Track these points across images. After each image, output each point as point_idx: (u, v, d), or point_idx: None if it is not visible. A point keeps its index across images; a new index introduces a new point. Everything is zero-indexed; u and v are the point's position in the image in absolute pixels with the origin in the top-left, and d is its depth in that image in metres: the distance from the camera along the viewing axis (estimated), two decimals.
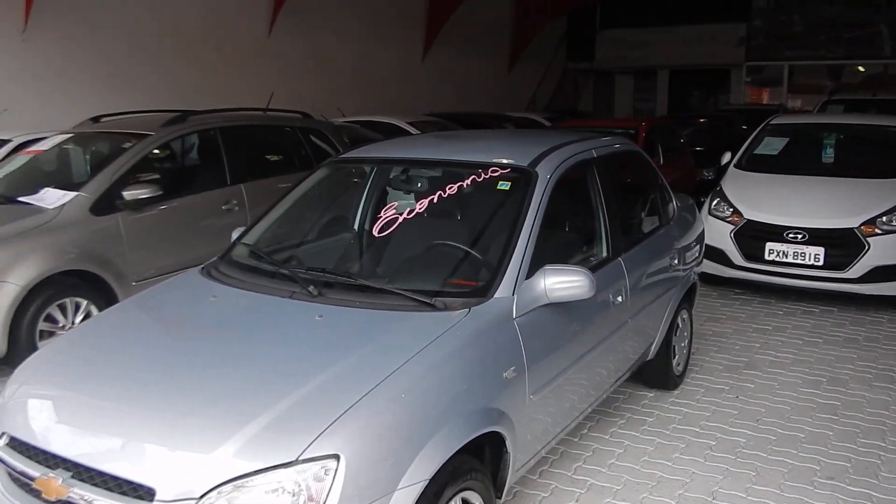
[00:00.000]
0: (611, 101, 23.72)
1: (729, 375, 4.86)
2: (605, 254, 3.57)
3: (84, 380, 2.44)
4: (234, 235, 3.55)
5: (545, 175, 3.23)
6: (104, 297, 4.90)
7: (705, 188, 8.52)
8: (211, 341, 2.63)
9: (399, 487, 2.13)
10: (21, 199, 5.05)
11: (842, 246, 6.08)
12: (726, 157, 7.76)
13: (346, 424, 2.09)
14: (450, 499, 2.34)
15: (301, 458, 2.01)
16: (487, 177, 3.25)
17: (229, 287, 2.99)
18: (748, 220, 6.49)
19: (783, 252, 6.29)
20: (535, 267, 2.90)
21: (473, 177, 3.26)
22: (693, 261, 4.73)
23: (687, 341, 4.76)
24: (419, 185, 3.41)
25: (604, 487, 3.45)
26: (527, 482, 3.46)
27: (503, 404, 2.61)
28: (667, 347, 4.37)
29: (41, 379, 2.51)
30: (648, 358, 4.25)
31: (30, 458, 2.24)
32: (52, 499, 2.11)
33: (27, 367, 2.63)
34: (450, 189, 3.21)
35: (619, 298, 3.54)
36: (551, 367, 2.93)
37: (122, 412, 2.23)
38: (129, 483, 2.03)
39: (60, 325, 4.74)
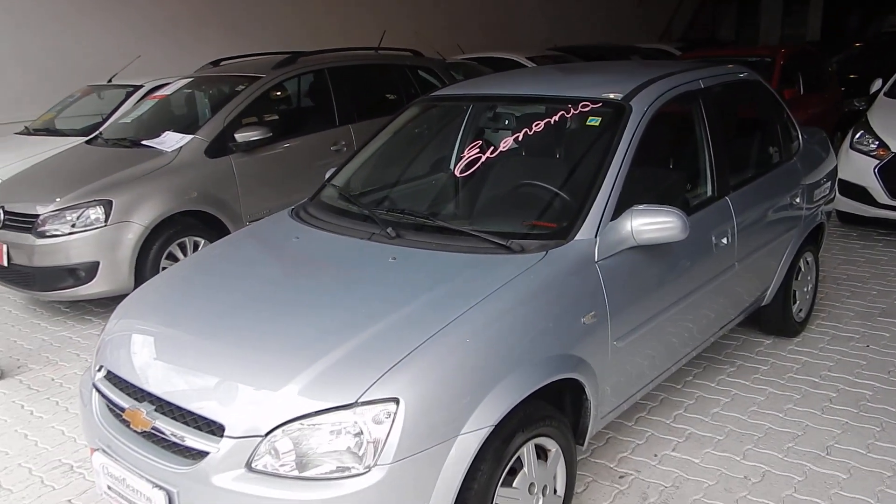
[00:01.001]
0: (755, 30, 21.98)
1: (861, 323, 4.47)
2: (709, 193, 3.32)
3: (169, 319, 2.55)
4: (327, 176, 3.58)
5: (640, 109, 3.01)
6: (220, 236, 5.13)
7: (856, 120, 7.78)
8: (287, 284, 2.67)
9: (462, 432, 2.09)
10: (144, 142, 5.33)
11: None
12: (876, 84, 7.01)
13: (407, 368, 2.07)
14: (521, 445, 2.29)
15: (360, 400, 2.01)
16: (577, 112, 3.06)
17: (313, 228, 3.02)
18: None
19: None
20: (623, 207, 2.72)
21: (562, 112, 3.09)
22: (821, 199, 4.32)
23: (811, 286, 4.40)
24: (506, 122, 3.28)
25: (704, 437, 3.28)
26: (621, 428, 3.35)
27: (582, 350, 2.50)
28: (786, 292, 4.05)
29: (134, 316, 2.65)
30: (763, 303, 3.96)
31: (122, 390, 2.38)
32: (139, 429, 2.23)
33: (125, 305, 2.79)
34: (536, 126, 3.06)
35: (725, 240, 3.29)
36: (639, 312, 2.77)
37: (201, 350, 2.32)
38: (203, 419, 2.12)
39: None
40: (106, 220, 4.71)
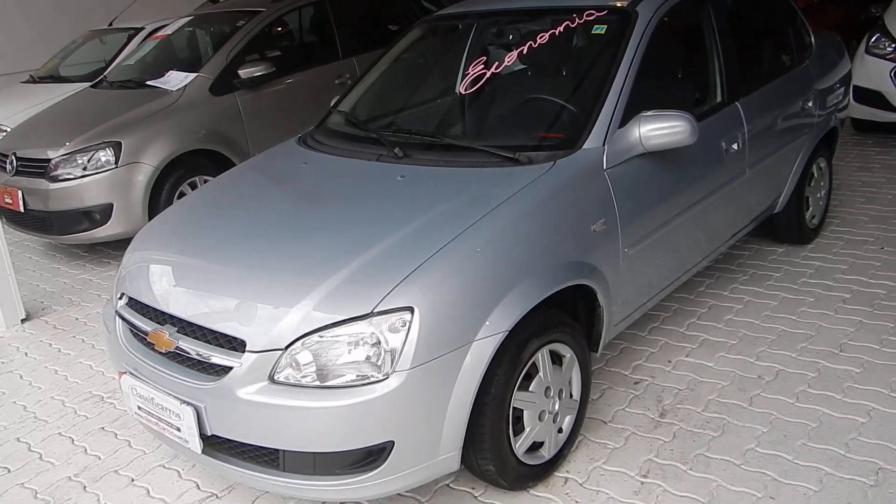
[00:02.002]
0: None
1: (875, 226, 4.46)
2: (718, 98, 3.28)
3: (185, 246, 2.59)
4: (332, 103, 3.57)
5: (647, 14, 2.96)
6: None
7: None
8: (298, 206, 2.70)
9: (478, 338, 2.14)
10: (149, 82, 5.31)
11: None
12: None
13: (420, 278, 2.11)
14: (535, 351, 2.34)
15: (376, 310, 2.06)
16: (582, 21, 3.02)
17: (320, 154, 3.03)
18: None
19: None
20: (631, 115, 2.71)
21: (567, 23, 3.04)
22: (834, 104, 4.26)
23: (824, 192, 4.37)
24: (510, 37, 3.24)
25: (717, 342, 3.33)
26: (635, 338, 3.40)
27: (593, 258, 2.52)
28: (798, 199, 4.04)
29: (152, 246, 2.70)
30: (776, 211, 3.95)
31: (144, 315, 2.44)
32: (163, 350, 2.30)
33: (141, 236, 2.83)
34: (541, 39, 3.01)
35: (735, 146, 3.27)
36: (649, 219, 2.78)
37: (218, 273, 2.36)
38: (225, 336, 2.17)
39: None
40: (116, 162, 4.74)
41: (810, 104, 3.95)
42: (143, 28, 7.12)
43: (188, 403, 2.19)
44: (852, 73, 5.61)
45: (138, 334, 2.46)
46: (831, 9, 8.23)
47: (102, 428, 3.12)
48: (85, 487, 2.75)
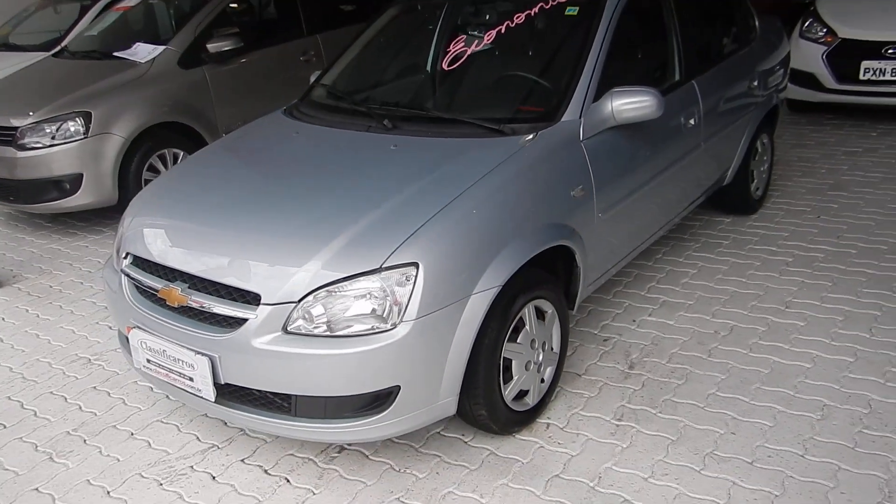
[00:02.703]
0: None
1: (812, 197, 4.84)
2: (677, 77, 3.54)
3: (190, 208, 2.72)
4: (312, 79, 3.70)
5: None
6: (197, 147, 5.19)
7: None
8: (296, 171, 2.84)
9: (474, 292, 2.34)
10: (116, 53, 5.30)
11: None
12: None
13: (423, 236, 2.29)
14: (522, 306, 2.55)
15: (384, 265, 2.23)
16: (556, 2, 3.22)
17: (310, 124, 3.17)
18: (843, 39, 6.16)
19: (880, 70, 6.00)
20: (603, 91, 2.93)
21: (541, 4, 3.24)
22: (775, 84, 4.58)
23: (767, 166, 4.71)
24: (487, 16, 3.41)
25: (676, 303, 3.61)
26: (601, 301, 3.66)
27: (572, 221, 2.75)
28: (745, 172, 4.36)
29: (153, 209, 2.80)
30: (725, 183, 4.26)
31: (151, 273, 2.56)
32: (175, 305, 2.43)
33: (139, 201, 2.93)
34: (517, 19, 3.21)
35: (692, 121, 3.53)
36: (620, 187, 3.02)
37: (227, 234, 2.49)
38: (239, 290, 2.32)
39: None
40: (86, 133, 4.75)
41: (756, 84, 4.26)
42: None
43: (203, 354, 2.34)
44: None
45: (146, 291, 2.58)
46: None
47: (94, 387, 3.22)
48: (85, 441, 2.86)
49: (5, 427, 2.98)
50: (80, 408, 3.08)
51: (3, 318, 3.93)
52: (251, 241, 2.43)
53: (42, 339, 3.67)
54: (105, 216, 5.25)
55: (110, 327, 3.73)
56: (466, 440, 2.71)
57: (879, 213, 4.50)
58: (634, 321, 3.47)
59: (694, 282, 3.82)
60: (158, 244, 2.59)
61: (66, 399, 3.15)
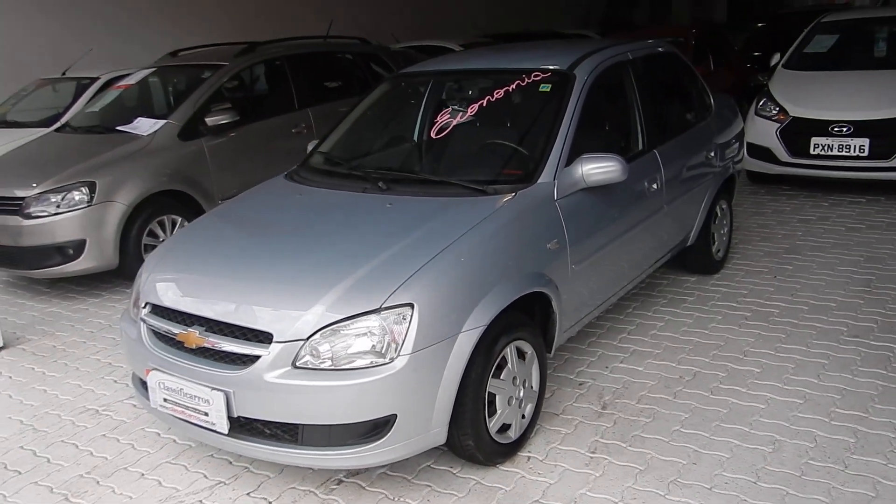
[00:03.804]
0: (668, 12, 23.18)
1: (769, 259, 5.22)
2: (640, 146, 3.94)
3: (205, 260, 3.02)
4: (310, 147, 4.06)
5: (583, 76, 3.60)
6: (195, 214, 5.50)
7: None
8: (300, 227, 3.16)
9: (463, 330, 2.63)
10: (119, 128, 5.66)
11: (886, 136, 6.24)
12: (775, 58, 7.85)
13: (417, 280, 2.60)
14: (505, 346, 2.84)
15: (383, 306, 2.53)
16: (531, 80, 3.64)
17: (311, 187, 3.51)
18: (794, 118, 6.69)
19: (828, 146, 6.49)
20: (574, 157, 3.31)
21: (518, 81, 3.65)
22: (731, 155, 5.03)
23: (727, 230, 5.11)
24: (470, 92, 3.83)
25: (645, 352, 3.92)
26: (576, 350, 3.96)
27: (549, 271, 3.08)
28: (706, 234, 4.74)
29: (169, 264, 3.09)
30: (689, 244, 4.63)
31: (169, 319, 2.83)
32: (193, 346, 2.70)
33: (154, 258, 3.21)
34: (497, 94, 3.61)
35: (655, 186, 3.92)
36: (591, 242, 3.37)
37: (240, 282, 2.78)
38: (253, 331, 2.60)
39: (161, 239, 5.38)
40: (90, 201, 5.04)
41: (712, 154, 4.70)
42: (97, 78, 7.42)
43: (218, 390, 2.59)
44: (746, 132, 6.51)
45: (164, 336, 2.84)
46: (723, 75, 9.31)
47: (104, 435, 3.42)
48: (98, 482, 3.05)
49: (20, 473, 3.16)
50: (92, 453, 3.27)
51: (11, 377, 4.12)
52: (263, 288, 2.72)
53: (50, 394, 3.87)
54: (103, 280, 5.49)
55: (115, 381, 3.94)
56: (455, 471, 2.95)
57: (829, 274, 4.88)
58: (607, 367, 3.77)
59: (661, 333, 4.14)
60: (176, 293, 2.87)
61: (77, 446, 3.34)
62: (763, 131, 6.81)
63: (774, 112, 6.81)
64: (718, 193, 4.79)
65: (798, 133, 6.61)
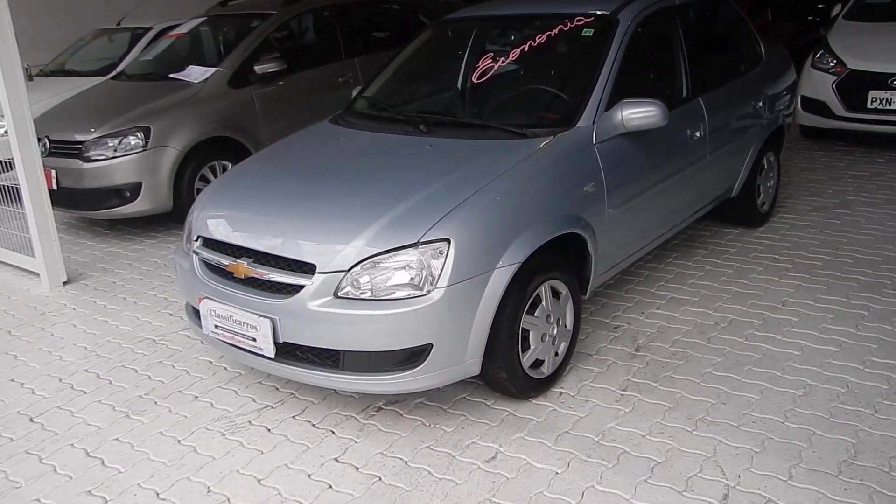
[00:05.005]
0: None
1: (816, 214, 5.16)
2: (684, 94, 3.93)
3: (252, 198, 3.16)
4: (355, 93, 4.15)
5: (626, 21, 3.60)
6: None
7: None
8: (343, 167, 3.27)
9: (497, 267, 2.72)
10: (171, 75, 5.83)
11: None
12: (836, 8, 7.62)
13: (454, 217, 2.69)
14: (540, 283, 2.93)
15: (421, 241, 2.63)
16: (574, 25, 3.64)
17: (354, 130, 3.61)
18: (851, 70, 6.50)
19: (887, 99, 6.32)
20: (614, 102, 3.33)
21: (561, 26, 3.66)
22: (781, 107, 4.95)
23: (773, 182, 5.05)
24: (512, 37, 3.85)
25: (682, 299, 3.95)
26: (613, 296, 4.02)
27: (585, 214, 3.13)
28: (751, 186, 4.70)
29: (220, 201, 3.24)
30: (732, 195, 4.61)
31: (219, 251, 2.99)
32: (242, 276, 2.85)
33: (205, 196, 3.36)
34: (539, 39, 3.64)
35: (698, 134, 3.91)
36: (629, 187, 3.40)
37: (286, 218, 2.92)
38: (297, 262, 2.73)
39: None
40: (145, 146, 5.24)
41: (760, 105, 4.63)
42: (150, 28, 7.59)
43: (265, 316, 2.74)
44: (801, 85, 6.37)
45: (214, 267, 3.00)
46: (782, 28, 9.05)
47: (160, 362, 3.63)
48: (156, 402, 3.26)
49: (85, 393, 3.39)
50: (150, 377, 3.48)
51: (75, 308, 4.37)
52: (308, 223, 2.85)
53: (111, 325, 4.10)
54: (158, 223, 5.72)
55: (170, 314, 4.16)
56: (489, 403, 3.07)
57: (878, 229, 4.81)
58: (643, 313, 3.82)
59: (700, 282, 4.16)
60: (226, 228, 3.02)
61: (136, 371, 3.56)
62: (819, 84, 6.64)
63: (832, 64, 6.63)
64: (766, 145, 4.73)
65: (855, 86, 6.44)
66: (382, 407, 3.08)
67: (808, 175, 6.13)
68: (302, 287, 2.69)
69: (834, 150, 6.83)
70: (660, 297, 4.01)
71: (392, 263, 2.64)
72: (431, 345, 2.64)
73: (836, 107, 6.59)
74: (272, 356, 2.78)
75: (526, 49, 3.62)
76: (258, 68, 5.81)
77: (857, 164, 6.40)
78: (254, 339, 2.80)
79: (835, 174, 6.12)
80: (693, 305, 3.88)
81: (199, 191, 5.47)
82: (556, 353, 3.13)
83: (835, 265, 4.28)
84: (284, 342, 2.76)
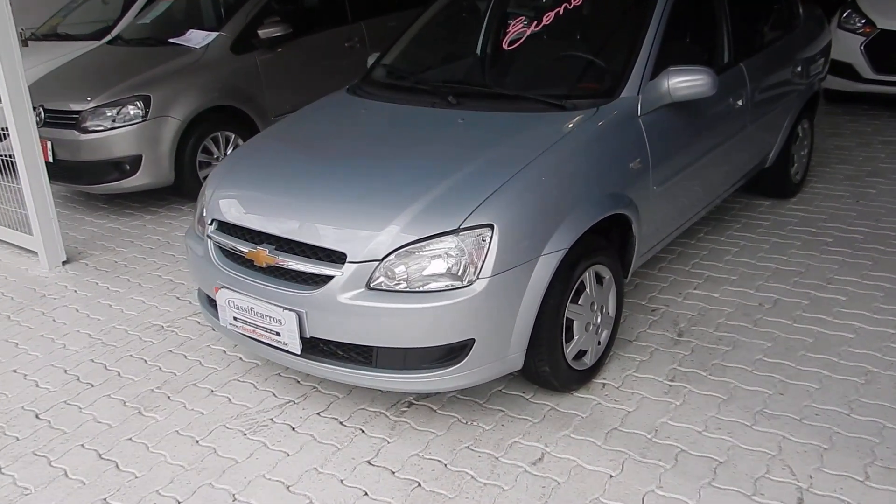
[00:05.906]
0: None
1: (849, 183, 4.94)
2: (726, 59, 3.67)
3: (272, 176, 2.90)
4: (370, 61, 3.87)
5: None
6: (248, 131, 5.38)
7: None
8: (369, 145, 3.02)
9: (543, 254, 2.49)
10: (171, 40, 5.51)
11: None
12: None
13: (497, 200, 2.45)
14: (584, 269, 2.70)
15: (462, 227, 2.40)
16: None
17: (375, 101, 3.35)
18: (882, 31, 6.23)
19: None
20: (659, 70, 3.07)
21: None
22: (817, 72, 4.69)
23: (806, 150, 4.82)
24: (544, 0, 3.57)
25: (720, 278, 3.74)
26: (646, 276, 3.80)
27: (630, 192, 2.90)
28: (786, 155, 4.47)
29: (236, 180, 2.98)
30: (767, 165, 4.38)
31: (237, 237, 2.75)
32: (263, 265, 2.61)
33: (219, 174, 3.10)
34: (576, 1, 3.36)
35: (740, 102, 3.67)
36: (674, 161, 3.17)
37: (310, 201, 2.67)
38: (325, 250, 2.49)
39: (215, 156, 5.30)
40: (145, 116, 4.95)
41: (799, 69, 4.38)
42: None
43: (290, 310, 2.51)
44: None
45: (231, 254, 2.76)
46: None
47: (171, 351, 3.41)
48: (169, 397, 3.05)
49: (93, 386, 3.18)
50: (160, 368, 3.27)
51: (76, 291, 4.13)
52: (336, 207, 2.60)
53: (115, 309, 3.87)
54: (158, 197, 5.46)
55: (178, 297, 3.93)
56: (527, 397, 2.86)
57: None
58: (680, 294, 3.61)
59: (737, 259, 3.95)
60: (243, 211, 2.77)
61: (145, 361, 3.34)
62: (846, 46, 6.36)
63: (860, 24, 6.35)
64: (802, 112, 4.49)
65: (885, 47, 6.18)
66: (413, 402, 2.88)
67: (835, 141, 5.89)
68: (331, 278, 2.46)
69: (860, 115, 6.58)
70: (696, 275, 3.80)
71: (429, 252, 2.41)
72: (473, 340, 2.43)
73: (864, 69, 6.32)
74: (298, 352, 2.56)
75: (561, 12, 3.34)
76: (262, 33, 5.50)
77: (887, 128, 6.16)
78: (278, 334, 2.58)
79: (864, 140, 5.89)
80: (732, 285, 3.67)
81: (201, 164, 5.22)
82: (599, 342, 2.93)
83: (877, 238, 4.07)
84: (311, 337, 2.53)
